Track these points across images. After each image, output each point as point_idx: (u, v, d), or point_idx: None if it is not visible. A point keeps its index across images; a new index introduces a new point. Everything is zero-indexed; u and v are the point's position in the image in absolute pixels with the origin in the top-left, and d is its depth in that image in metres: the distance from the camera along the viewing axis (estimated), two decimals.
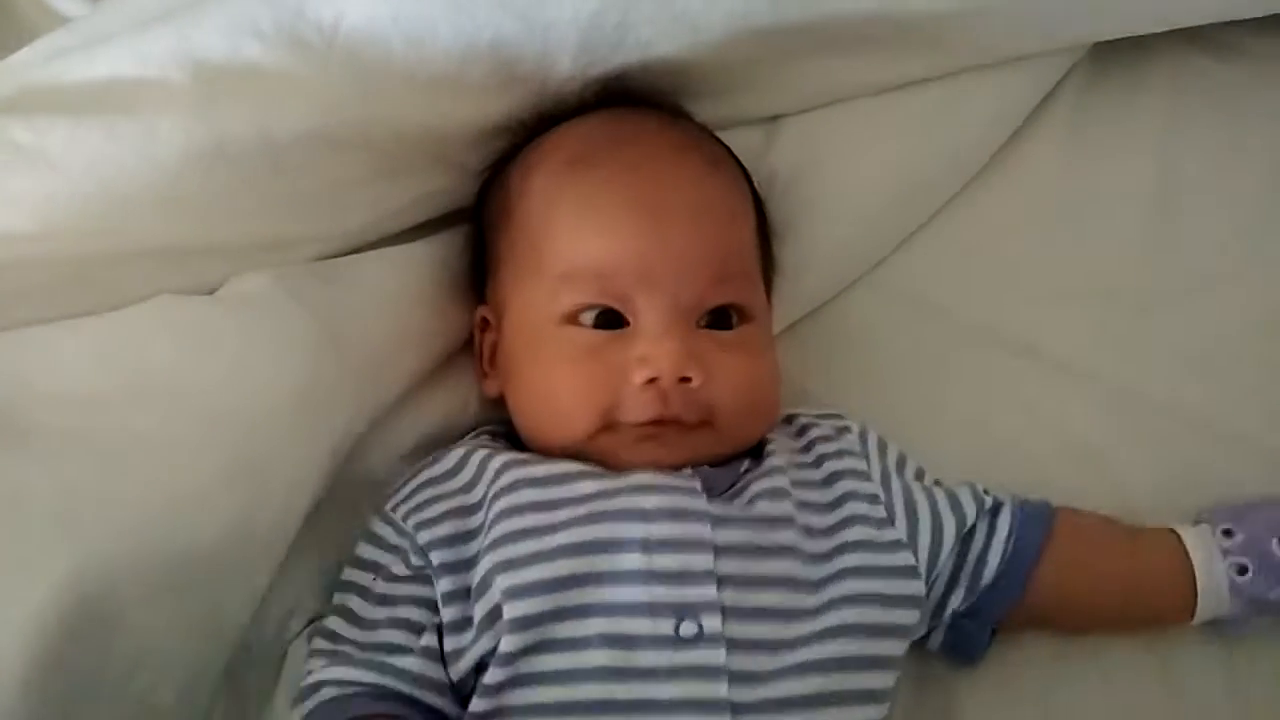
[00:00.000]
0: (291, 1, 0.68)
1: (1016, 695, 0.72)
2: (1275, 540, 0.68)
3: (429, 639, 0.62)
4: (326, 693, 0.61)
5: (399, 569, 0.64)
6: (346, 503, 0.70)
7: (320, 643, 0.64)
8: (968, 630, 0.70)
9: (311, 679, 0.62)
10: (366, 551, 0.67)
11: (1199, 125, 0.87)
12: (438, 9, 0.69)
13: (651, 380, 0.65)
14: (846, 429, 0.73)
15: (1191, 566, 0.69)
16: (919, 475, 0.73)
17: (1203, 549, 0.69)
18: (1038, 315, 0.83)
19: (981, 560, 0.69)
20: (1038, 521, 0.70)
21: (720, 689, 0.59)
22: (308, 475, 0.64)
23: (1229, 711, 0.71)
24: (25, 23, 0.87)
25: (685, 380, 0.65)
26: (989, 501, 0.71)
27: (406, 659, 0.61)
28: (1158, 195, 0.85)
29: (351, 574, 0.67)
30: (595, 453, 0.66)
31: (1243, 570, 0.68)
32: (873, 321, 0.83)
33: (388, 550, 0.66)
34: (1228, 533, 0.69)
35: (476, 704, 0.61)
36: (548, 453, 0.68)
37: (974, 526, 0.70)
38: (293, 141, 0.67)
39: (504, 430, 0.73)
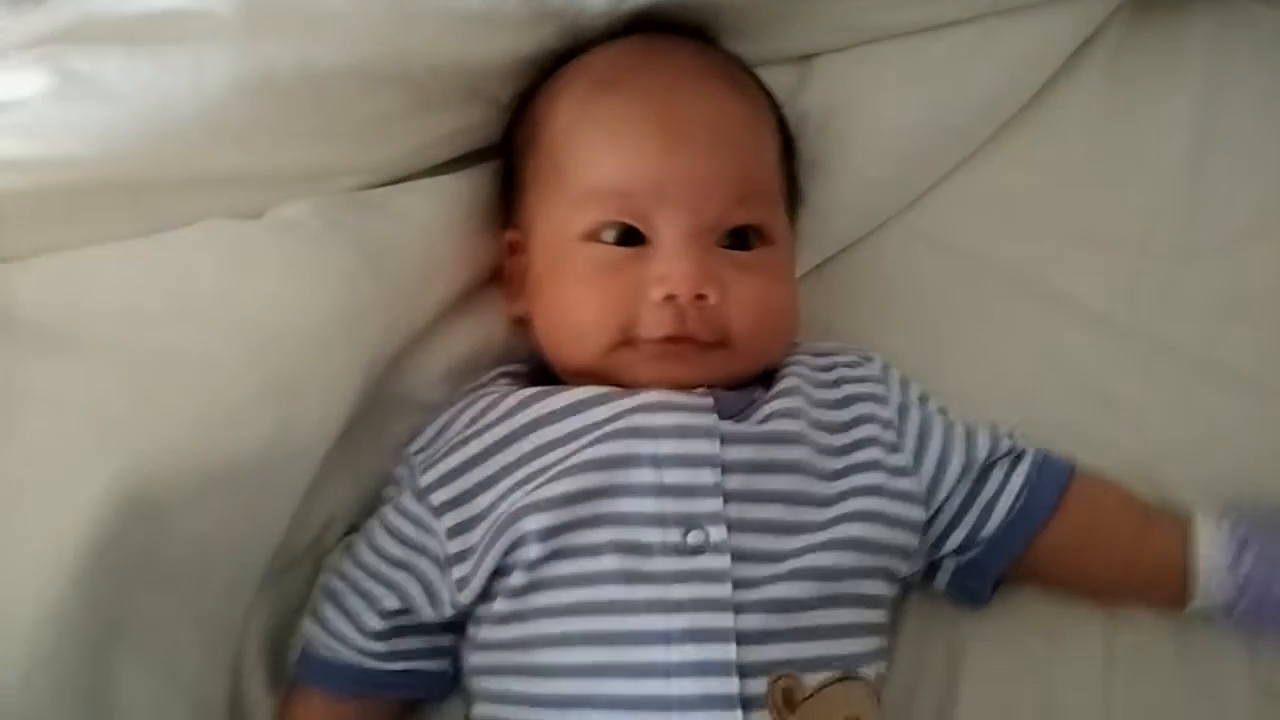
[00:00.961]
0: None
1: (1020, 635, 0.74)
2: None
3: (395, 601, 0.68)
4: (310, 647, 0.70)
5: (406, 501, 0.70)
6: (380, 422, 0.73)
7: (334, 579, 0.71)
8: (970, 580, 0.72)
9: (309, 629, 0.70)
10: (387, 489, 0.73)
11: (1243, 73, 0.86)
12: None
13: (669, 297, 0.67)
14: (869, 358, 0.75)
15: (1192, 566, 0.69)
16: (943, 411, 0.74)
17: (1209, 556, 0.68)
18: (1070, 263, 0.83)
19: (989, 509, 0.70)
20: (1052, 486, 0.71)
21: (725, 590, 0.62)
22: (342, 393, 0.68)
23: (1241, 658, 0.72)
24: None
25: (701, 298, 0.67)
26: (1006, 445, 0.72)
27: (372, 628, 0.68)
28: (1197, 145, 0.85)
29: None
30: (613, 369, 0.69)
31: (1236, 601, 0.68)
32: (902, 263, 0.84)
33: (396, 486, 0.72)
34: (1235, 558, 0.68)
35: (501, 605, 0.65)
36: (569, 370, 0.71)
37: (991, 465, 0.71)
38: (333, 74, 0.70)
39: (525, 370, 0.76)
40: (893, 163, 0.83)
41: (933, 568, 0.73)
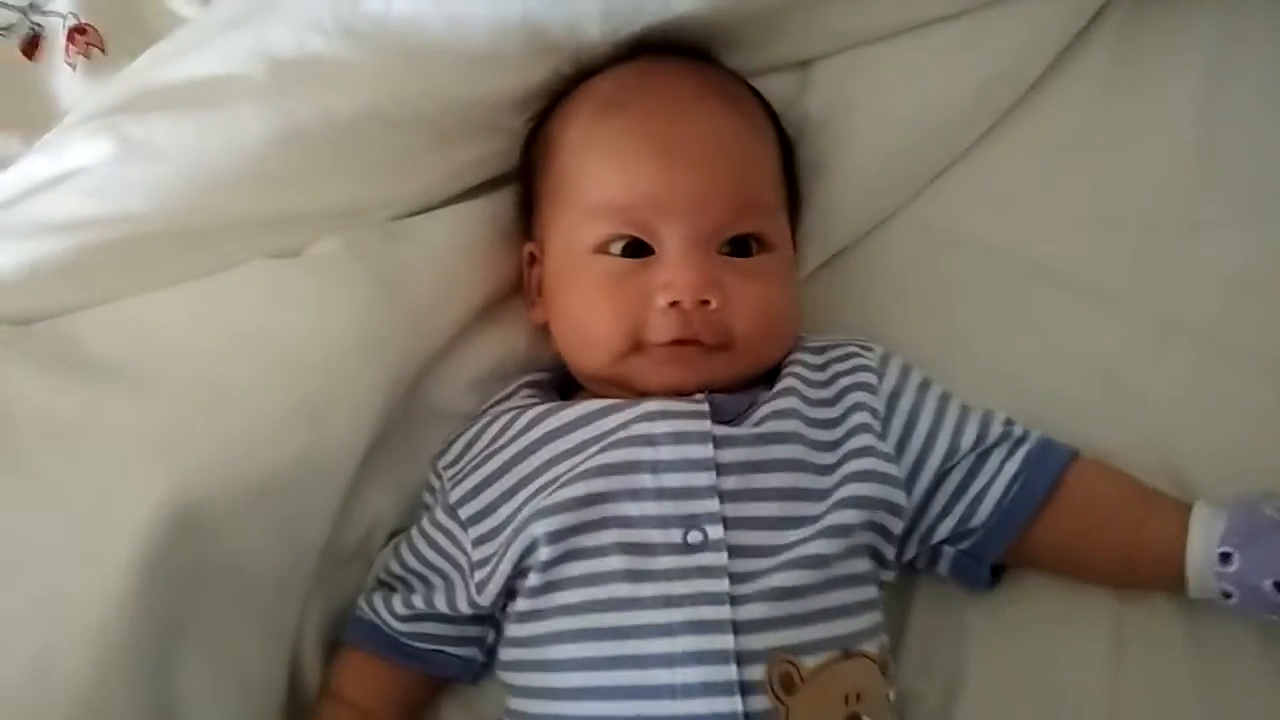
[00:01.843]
0: None
1: (1028, 618, 0.75)
2: (1271, 582, 0.66)
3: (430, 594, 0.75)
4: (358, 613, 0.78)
5: (439, 514, 0.76)
6: (416, 433, 0.80)
7: (381, 572, 0.79)
8: (968, 567, 0.74)
9: (360, 600, 0.78)
10: (425, 497, 0.79)
11: (1253, 44, 0.85)
12: None
13: (674, 303, 0.71)
14: (869, 348, 0.77)
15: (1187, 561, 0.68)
16: (944, 398, 0.76)
17: (1199, 554, 0.68)
18: (1077, 246, 0.83)
19: (980, 497, 0.72)
20: (1048, 473, 0.72)
21: (722, 584, 0.66)
22: (367, 409, 0.75)
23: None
24: (156, 33, 0.99)
25: (705, 303, 0.72)
26: (998, 430, 0.73)
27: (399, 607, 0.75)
28: (1205, 119, 0.84)
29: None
30: (625, 375, 0.74)
31: (1227, 595, 0.68)
32: (908, 254, 0.86)
33: (431, 495, 0.79)
34: (1225, 557, 0.67)
35: (522, 604, 0.71)
36: (585, 376, 0.77)
37: (988, 452, 0.73)
38: (353, 120, 0.78)
39: (548, 378, 0.82)
40: (894, 159, 0.86)
41: (934, 555, 0.75)
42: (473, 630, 0.76)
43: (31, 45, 0.99)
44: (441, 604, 0.74)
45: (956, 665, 0.75)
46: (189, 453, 0.68)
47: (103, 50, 0.98)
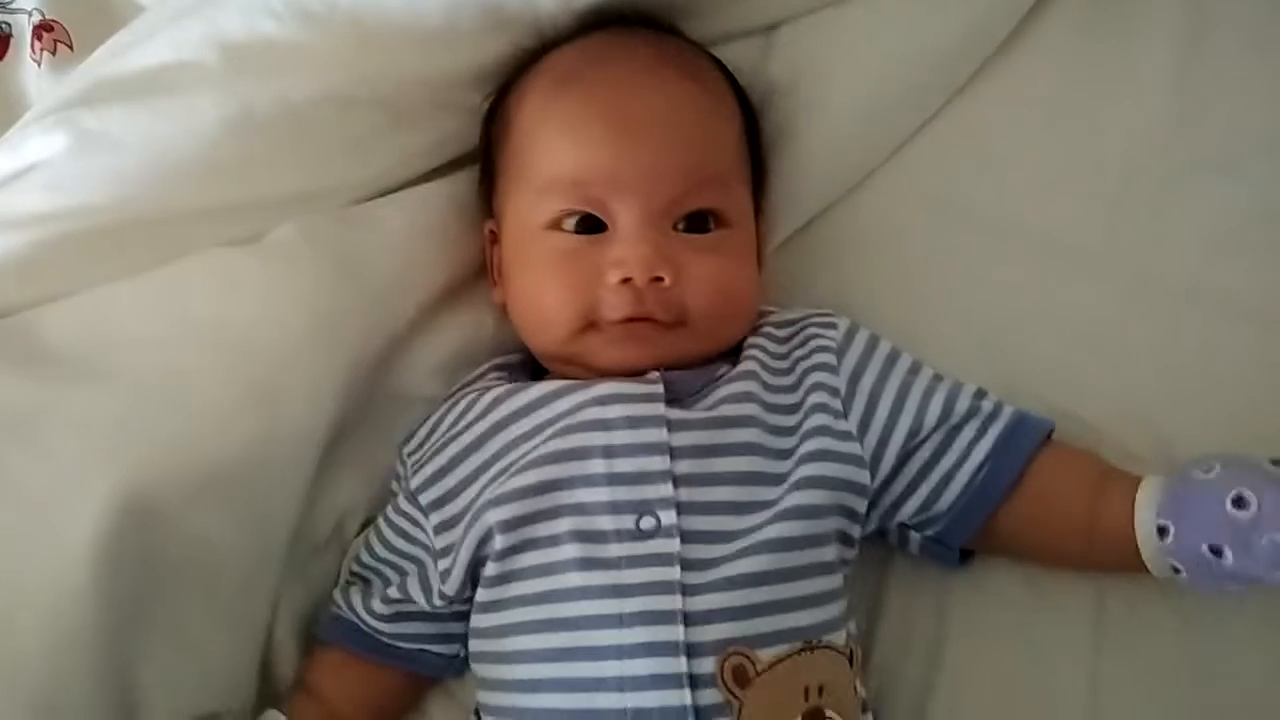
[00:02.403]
0: None
1: (1008, 593, 0.74)
2: (1205, 545, 0.63)
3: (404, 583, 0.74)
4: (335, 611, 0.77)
5: (402, 501, 0.76)
6: (382, 418, 0.79)
7: (353, 563, 0.78)
8: (936, 550, 0.73)
9: (336, 596, 0.77)
10: (392, 484, 0.78)
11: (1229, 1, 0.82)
12: None
13: (625, 280, 0.70)
14: (832, 325, 0.75)
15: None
16: (913, 370, 0.74)
17: (1143, 530, 0.66)
18: (1052, 204, 0.81)
19: (945, 481, 0.71)
20: (1016, 459, 0.70)
21: (673, 573, 0.65)
22: (324, 394, 0.74)
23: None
24: (124, 21, 1.00)
25: (658, 280, 0.70)
26: (965, 406, 0.71)
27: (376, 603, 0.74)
28: (1180, 76, 0.81)
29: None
30: (580, 353, 0.73)
31: (1176, 570, 0.65)
32: (880, 218, 0.84)
33: (397, 482, 0.78)
34: (1162, 531, 0.65)
35: (481, 594, 0.70)
36: (541, 354, 0.76)
37: (957, 429, 0.71)
38: (308, 103, 0.76)
39: (518, 360, 0.80)
40: (863, 122, 0.84)
41: (903, 538, 0.74)
42: (455, 627, 0.74)
43: (0, 44, 0.99)
44: (417, 592, 0.73)
45: (937, 637, 0.74)
46: (141, 442, 0.67)
47: (70, 46, 0.97)
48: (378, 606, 0.75)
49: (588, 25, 0.80)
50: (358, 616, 0.75)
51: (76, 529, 0.64)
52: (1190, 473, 0.65)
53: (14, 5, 0.99)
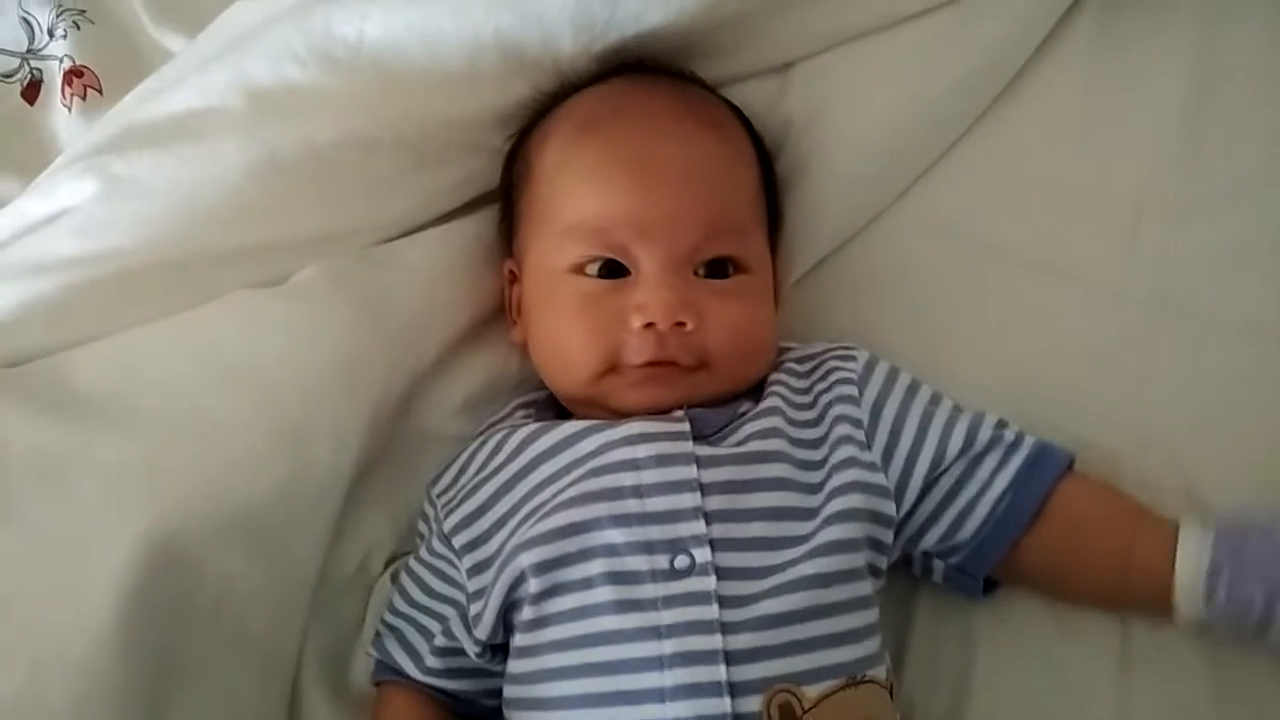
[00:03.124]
0: (319, 25, 0.79)
1: (1034, 623, 0.73)
2: (1261, 597, 0.64)
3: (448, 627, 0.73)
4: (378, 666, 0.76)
5: (435, 543, 0.75)
6: (408, 457, 0.80)
7: (387, 614, 0.77)
8: (959, 579, 0.73)
9: (371, 650, 0.76)
10: (420, 525, 0.78)
11: (1237, 27, 0.82)
12: (443, 12, 0.78)
13: (649, 325, 0.71)
14: (851, 358, 0.76)
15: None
16: (934, 401, 0.74)
17: (1187, 577, 0.66)
18: (1068, 233, 0.81)
19: (967, 511, 0.71)
20: (1037, 490, 0.70)
21: (712, 611, 0.64)
22: (351, 435, 0.75)
23: None
24: (153, 67, 1.01)
25: (680, 325, 0.71)
26: (987, 436, 0.71)
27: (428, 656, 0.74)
28: (1190, 103, 0.81)
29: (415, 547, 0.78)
30: (602, 395, 0.73)
31: (1215, 622, 0.66)
32: (899, 253, 0.84)
33: (426, 523, 0.78)
34: (1213, 572, 0.65)
35: (517, 639, 0.69)
36: (562, 396, 0.77)
37: (979, 458, 0.71)
38: (331, 146, 0.78)
39: (544, 397, 0.81)
40: (878, 158, 0.84)
41: (926, 565, 0.74)
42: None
43: (32, 90, 1.01)
44: (464, 639, 0.72)
45: (963, 669, 0.74)
46: (169, 485, 0.68)
47: (100, 92, 0.99)
48: (430, 660, 0.73)
49: (608, 68, 0.81)
50: (408, 677, 0.74)
51: (103, 575, 0.64)
52: (1247, 516, 0.66)
53: (45, 51, 1.01)
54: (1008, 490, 0.70)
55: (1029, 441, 0.72)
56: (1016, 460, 0.71)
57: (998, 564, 0.71)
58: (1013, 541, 0.70)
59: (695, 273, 0.73)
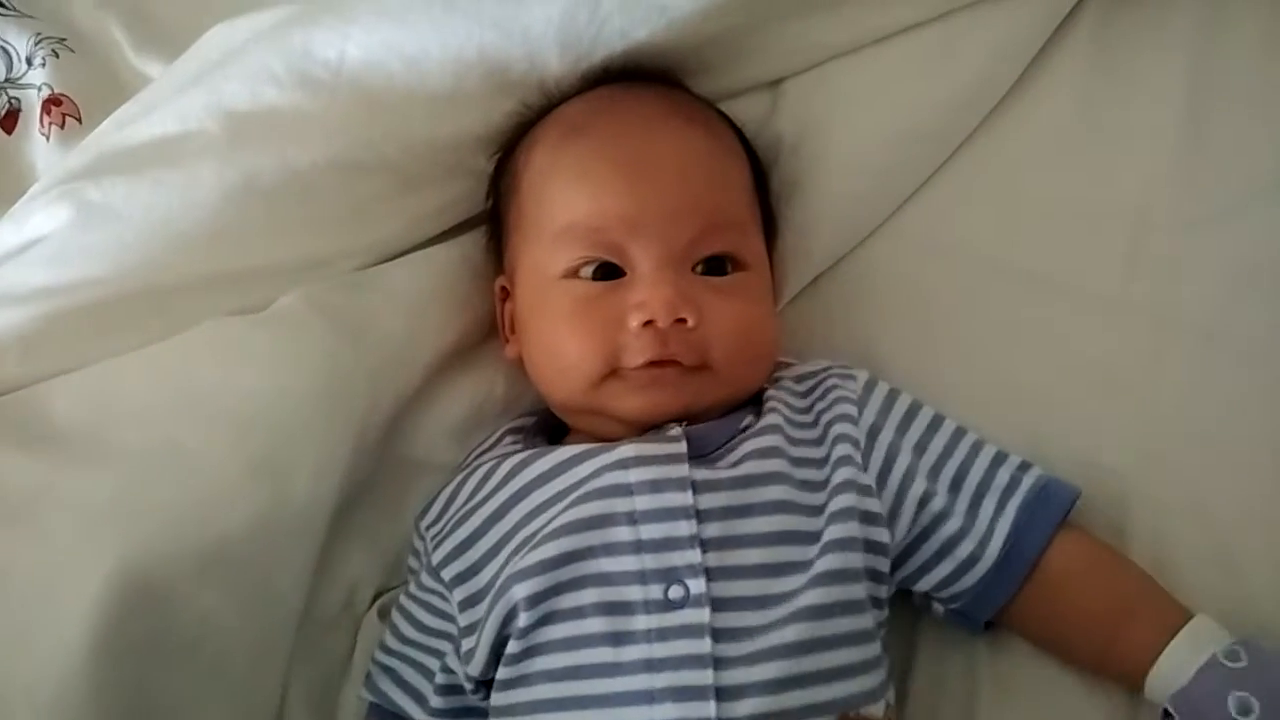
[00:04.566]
0: (299, 46, 0.77)
1: (1038, 652, 0.71)
2: None
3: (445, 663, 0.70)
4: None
5: (425, 578, 0.73)
6: (394, 485, 0.78)
7: (380, 653, 0.75)
8: (959, 619, 0.71)
9: (365, 693, 0.74)
10: (410, 560, 0.76)
11: (1238, 28, 0.81)
12: (425, 31, 0.76)
13: (648, 323, 0.68)
14: (851, 377, 0.74)
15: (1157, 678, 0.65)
16: (932, 425, 0.72)
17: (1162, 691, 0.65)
18: (1067, 249, 0.80)
19: (965, 566, 0.69)
20: (1038, 538, 0.68)
21: (704, 646, 0.62)
22: (332, 465, 0.72)
23: None
24: (133, 94, 0.99)
25: (680, 321, 0.68)
26: (980, 477, 0.70)
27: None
28: (1187, 116, 0.80)
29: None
30: (601, 402, 0.70)
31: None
32: (897, 270, 0.83)
33: (416, 558, 0.76)
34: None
35: (502, 672, 0.66)
36: (563, 408, 0.74)
37: (977, 501, 0.69)
38: (313, 170, 0.76)
39: (533, 423, 0.78)
40: (870, 174, 0.82)
41: (925, 602, 0.72)
42: None
43: (10, 119, 0.99)
44: (457, 666, 0.69)
45: (967, 700, 0.71)
46: (142, 520, 0.65)
47: (79, 120, 0.97)
48: (435, 702, 0.71)
49: (593, 85, 0.79)
50: (409, 718, 0.72)
51: (74, 614, 0.61)
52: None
53: (23, 80, 0.99)
54: (1006, 543, 0.68)
55: (1026, 482, 0.70)
56: (1014, 505, 0.69)
57: (999, 609, 0.70)
58: (1013, 593, 0.69)
59: (693, 270, 0.71)
